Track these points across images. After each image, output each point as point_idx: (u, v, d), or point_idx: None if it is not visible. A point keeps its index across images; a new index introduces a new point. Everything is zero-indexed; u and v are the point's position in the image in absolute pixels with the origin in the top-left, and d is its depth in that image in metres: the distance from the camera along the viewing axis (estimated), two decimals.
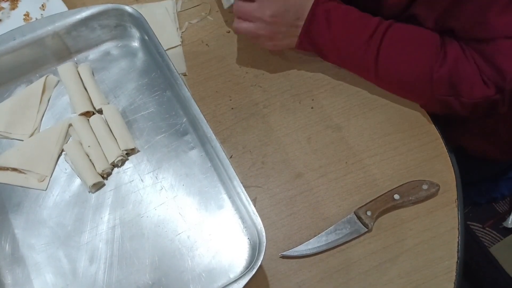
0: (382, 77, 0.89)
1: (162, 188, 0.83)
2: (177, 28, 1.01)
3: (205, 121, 0.80)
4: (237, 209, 0.80)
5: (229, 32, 1.01)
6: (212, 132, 0.79)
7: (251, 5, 0.87)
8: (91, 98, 0.89)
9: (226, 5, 0.94)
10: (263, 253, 0.70)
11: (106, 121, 0.87)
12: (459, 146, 1.01)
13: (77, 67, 0.91)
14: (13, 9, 1.03)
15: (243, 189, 0.75)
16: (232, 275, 0.76)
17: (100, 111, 0.89)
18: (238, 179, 0.75)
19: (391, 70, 0.87)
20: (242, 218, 0.79)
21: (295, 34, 0.90)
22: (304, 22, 0.88)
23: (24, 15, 1.02)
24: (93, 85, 0.89)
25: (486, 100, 0.81)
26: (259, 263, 0.70)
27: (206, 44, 1.00)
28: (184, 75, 0.96)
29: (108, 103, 0.89)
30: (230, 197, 0.81)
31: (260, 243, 0.72)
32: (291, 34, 0.90)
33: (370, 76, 0.91)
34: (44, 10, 1.01)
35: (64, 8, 0.99)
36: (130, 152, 0.86)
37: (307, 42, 0.91)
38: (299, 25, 0.89)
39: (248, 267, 0.72)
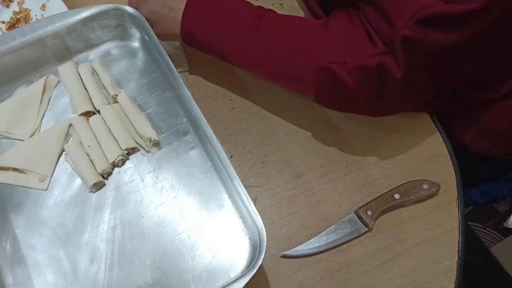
0: (263, 62, 0.85)
1: (162, 188, 0.83)
2: None
3: (206, 121, 0.80)
4: (238, 208, 0.80)
5: None
6: (212, 132, 0.79)
7: None
8: (92, 98, 0.89)
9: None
10: (263, 253, 0.70)
11: (105, 121, 0.87)
12: (460, 145, 1.00)
13: (77, 67, 0.91)
14: None
15: (244, 188, 0.75)
16: (233, 275, 0.76)
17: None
18: (238, 178, 0.75)
19: (271, 49, 0.83)
20: (242, 217, 0.79)
21: (174, 18, 0.87)
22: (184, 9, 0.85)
23: None
24: (94, 85, 0.89)
25: (374, 61, 0.75)
26: (260, 263, 0.70)
27: None
28: (187, 71, 0.97)
29: (107, 104, 0.89)
30: (230, 196, 0.81)
31: (260, 243, 0.72)
32: (169, 17, 0.87)
33: (255, 67, 0.87)
34: (44, 10, 1.01)
35: (64, 8, 0.99)
36: (130, 152, 0.86)
37: (188, 37, 0.87)
38: (174, 6, 0.86)
39: (248, 267, 0.72)
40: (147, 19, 0.87)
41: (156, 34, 0.87)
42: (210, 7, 0.85)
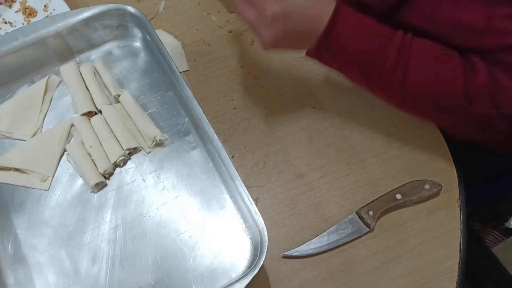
0: (410, 96, 0.78)
1: (164, 188, 0.83)
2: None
3: (207, 121, 0.80)
4: (239, 209, 0.80)
5: (231, 32, 1.01)
6: (214, 132, 0.79)
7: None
8: (93, 98, 0.89)
9: None
10: (265, 253, 0.71)
11: (107, 121, 0.87)
12: (460, 141, 1.00)
13: (79, 67, 0.91)
14: None
15: (245, 189, 0.75)
16: (234, 275, 0.76)
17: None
18: (240, 179, 0.76)
19: (420, 88, 0.77)
20: (244, 218, 0.80)
21: (305, 40, 0.78)
22: (325, 28, 0.75)
23: None
24: (95, 85, 0.89)
25: None
26: (261, 263, 0.70)
27: (208, 44, 1.00)
28: (186, 71, 0.97)
29: (109, 104, 0.89)
30: (232, 197, 0.81)
31: (262, 243, 0.72)
32: (299, 41, 0.78)
33: (394, 96, 0.81)
34: (46, 11, 1.01)
35: (66, 8, 0.99)
36: (132, 152, 0.86)
37: (325, 50, 0.78)
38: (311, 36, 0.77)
39: (250, 267, 0.73)
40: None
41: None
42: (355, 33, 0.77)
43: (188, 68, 0.97)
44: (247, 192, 0.75)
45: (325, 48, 0.78)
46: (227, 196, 0.82)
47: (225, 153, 0.78)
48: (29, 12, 1.01)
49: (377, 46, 0.77)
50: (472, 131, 0.83)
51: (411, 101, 0.80)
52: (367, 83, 0.82)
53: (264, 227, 0.72)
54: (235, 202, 0.81)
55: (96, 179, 0.82)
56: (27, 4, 1.02)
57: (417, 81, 0.76)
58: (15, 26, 1.00)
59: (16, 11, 1.02)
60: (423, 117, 0.87)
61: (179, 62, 0.96)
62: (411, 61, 0.75)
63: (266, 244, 0.71)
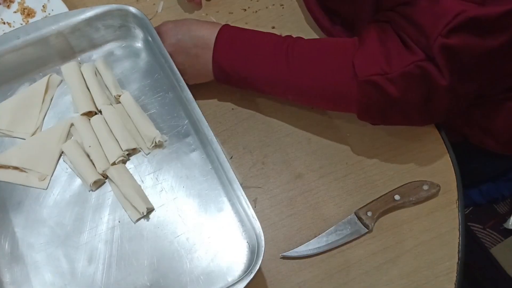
0: (299, 85, 0.84)
1: (162, 190, 0.83)
2: None
3: (207, 123, 0.80)
4: (237, 212, 0.80)
5: None
6: (213, 134, 0.79)
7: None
8: (94, 98, 0.89)
9: None
10: (261, 257, 0.71)
11: (107, 122, 0.87)
12: (460, 139, 1.00)
13: (80, 67, 0.91)
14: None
15: (243, 192, 0.75)
16: (230, 279, 0.76)
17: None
18: (238, 182, 0.76)
19: (308, 73, 0.83)
20: (241, 221, 0.79)
21: (202, 63, 0.88)
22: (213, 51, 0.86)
23: None
24: (96, 85, 0.89)
25: (416, 68, 0.74)
26: (258, 268, 0.70)
27: None
28: None
29: (109, 104, 0.89)
30: (230, 200, 0.81)
31: (258, 247, 0.72)
32: (198, 64, 0.89)
33: (285, 89, 0.87)
34: (45, 11, 1.01)
35: (64, 9, 0.99)
36: (131, 153, 0.86)
37: (219, 70, 0.88)
38: (197, 53, 0.88)
39: (246, 271, 0.72)
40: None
41: (187, 80, 0.87)
42: (239, 43, 0.86)
43: None
44: (245, 196, 0.75)
45: (221, 73, 0.88)
46: (225, 199, 0.82)
47: (224, 155, 0.78)
48: (27, 13, 1.01)
49: (264, 54, 0.85)
50: (374, 110, 0.82)
51: (305, 92, 0.85)
52: (267, 93, 0.90)
53: (261, 231, 0.72)
54: (233, 205, 0.81)
55: (94, 176, 0.82)
56: (25, 5, 1.02)
57: (301, 70, 0.83)
58: (13, 27, 1.00)
59: (15, 12, 1.02)
60: (318, 106, 0.91)
61: None
62: (295, 56, 0.82)
63: (263, 248, 0.71)
